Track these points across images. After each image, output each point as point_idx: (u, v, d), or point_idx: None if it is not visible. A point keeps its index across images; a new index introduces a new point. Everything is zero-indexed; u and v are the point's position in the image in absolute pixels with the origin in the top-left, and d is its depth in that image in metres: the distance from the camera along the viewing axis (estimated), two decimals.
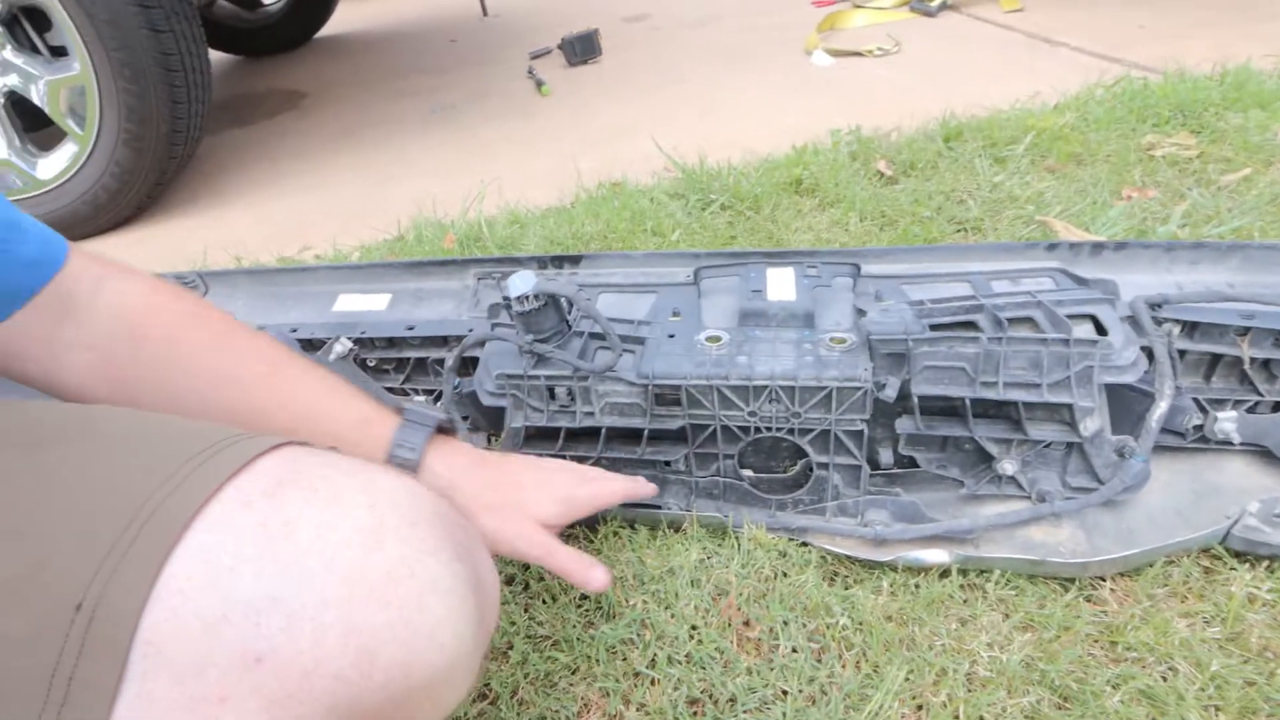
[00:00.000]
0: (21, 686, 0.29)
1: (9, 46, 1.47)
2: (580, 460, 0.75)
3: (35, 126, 1.59)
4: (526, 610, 0.68)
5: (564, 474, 0.64)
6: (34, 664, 0.29)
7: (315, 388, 0.56)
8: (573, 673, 0.63)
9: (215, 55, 2.16)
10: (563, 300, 0.71)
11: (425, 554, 0.34)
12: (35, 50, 1.49)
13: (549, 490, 0.62)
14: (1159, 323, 0.71)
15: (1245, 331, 0.70)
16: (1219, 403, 0.73)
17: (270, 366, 0.55)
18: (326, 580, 0.32)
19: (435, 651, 0.33)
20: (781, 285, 0.78)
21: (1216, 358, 0.73)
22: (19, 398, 0.50)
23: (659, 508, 0.74)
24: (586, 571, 0.58)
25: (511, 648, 0.65)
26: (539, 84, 2.15)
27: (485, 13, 3.12)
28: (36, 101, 1.50)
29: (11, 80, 1.49)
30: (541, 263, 0.92)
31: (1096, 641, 0.60)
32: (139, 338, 0.52)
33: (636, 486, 0.67)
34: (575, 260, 0.91)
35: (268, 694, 0.30)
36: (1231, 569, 0.63)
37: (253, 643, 0.30)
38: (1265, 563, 0.63)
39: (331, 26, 3.13)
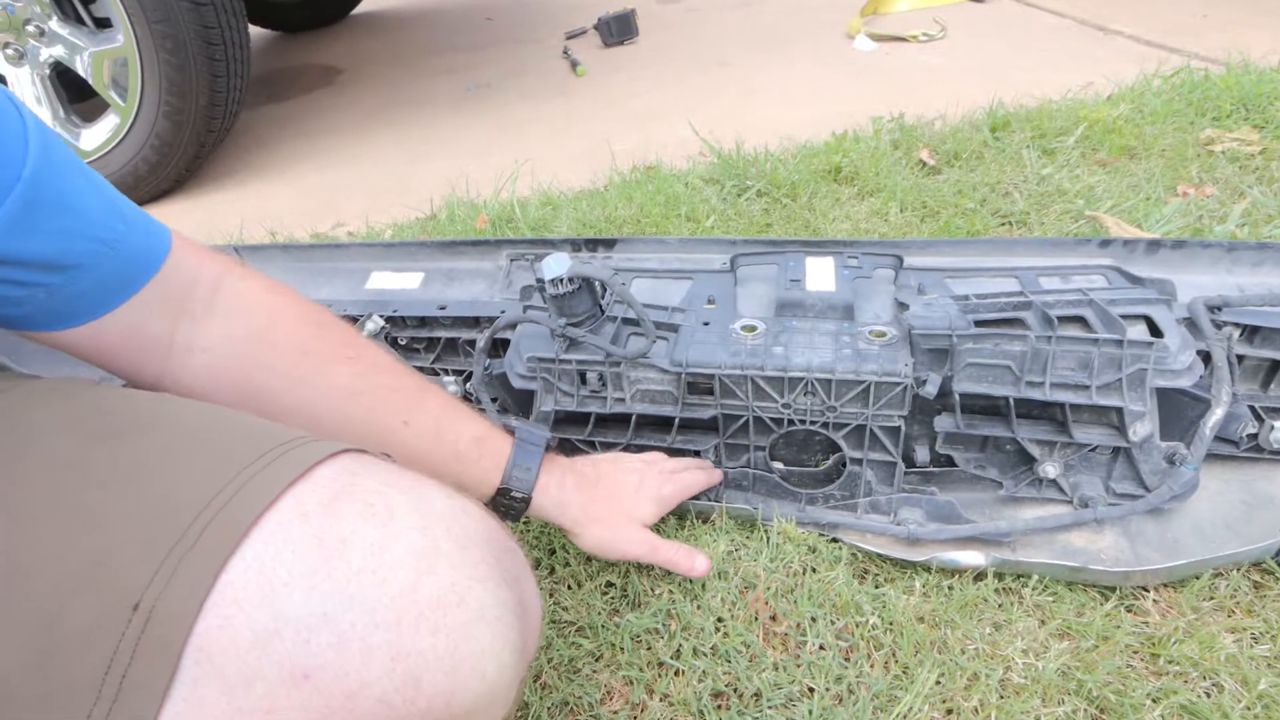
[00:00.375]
0: (76, 679, 0.29)
1: (55, 18, 1.49)
2: (609, 448, 0.75)
3: (78, 98, 1.61)
4: (552, 595, 0.68)
5: (651, 474, 0.68)
6: (90, 659, 0.29)
7: (435, 404, 0.57)
8: (596, 659, 0.63)
9: (253, 31, 2.17)
10: (597, 284, 0.70)
11: (475, 581, 0.34)
12: (80, 22, 1.51)
13: (644, 492, 0.66)
14: (1218, 326, 0.68)
15: None
16: (1276, 411, 0.70)
17: (394, 379, 0.55)
18: (378, 601, 0.32)
19: (478, 680, 0.33)
20: (821, 275, 0.76)
21: (1276, 364, 0.70)
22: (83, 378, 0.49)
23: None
24: (690, 560, 0.64)
25: None
26: (574, 64, 2.13)
27: None
28: (81, 73, 1.52)
29: (57, 51, 1.51)
30: (575, 245, 0.91)
31: (1137, 653, 0.58)
32: (266, 344, 0.51)
33: (711, 477, 0.71)
34: (609, 244, 0.90)
35: (313, 711, 0.30)
36: None
37: (302, 659, 0.30)
38: None
39: (368, 3, 3.13)
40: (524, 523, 0.74)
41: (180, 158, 1.60)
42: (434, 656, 0.32)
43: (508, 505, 0.61)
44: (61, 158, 0.41)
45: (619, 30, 2.27)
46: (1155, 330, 0.65)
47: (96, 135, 1.57)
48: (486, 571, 0.35)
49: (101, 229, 0.42)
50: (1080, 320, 0.67)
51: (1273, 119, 1.25)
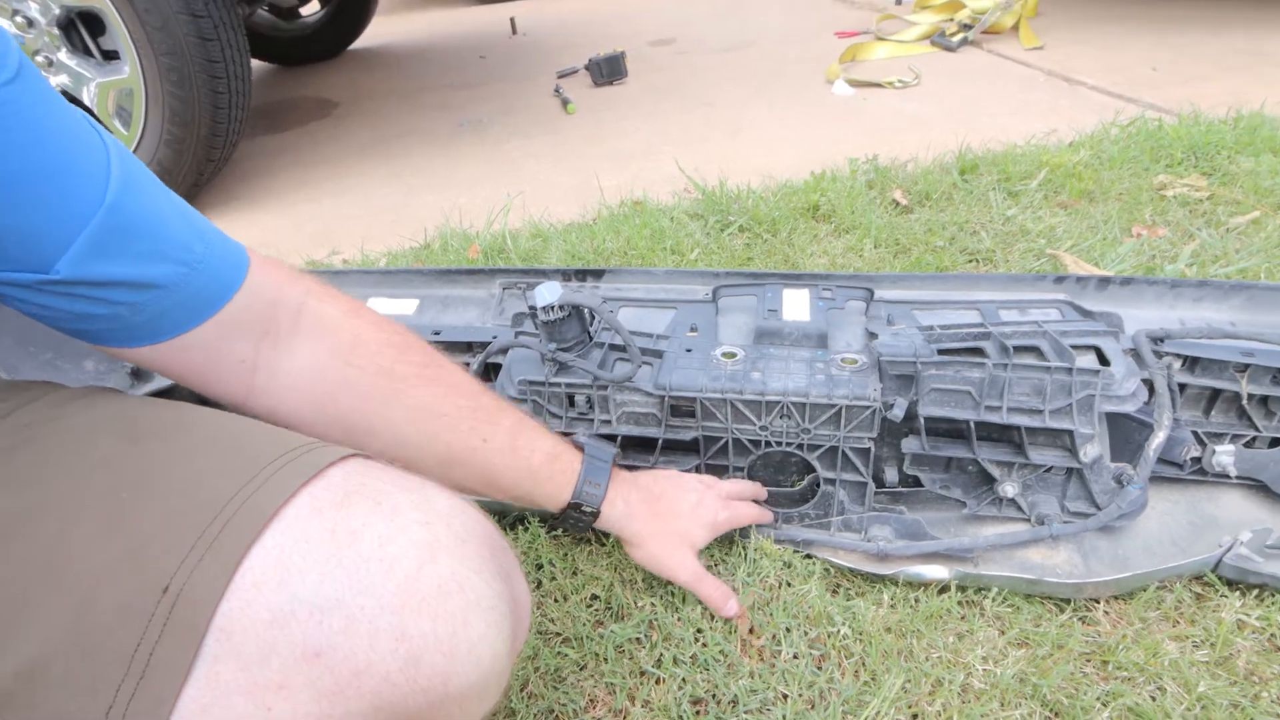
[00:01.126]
0: (108, 655, 0.32)
1: (64, 49, 1.53)
2: None
3: None
4: (539, 607, 0.71)
5: (710, 497, 0.70)
6: (122, 636, 0.32)
7: (510, 421, 0.59)
8: (581, 669, 0.65)
9: (253, 63, 2.24)
10: (586, 312, 0.75)
11: (473, 572, 0.37)
12: (88, 53, 1.56)
13: (700, 516, 0.69)
14: (1160, 356, 0.73)
15: (1245, 368, 0.73)
16: (1217, 437, 0.75)
17: (471, 400, 0.57)
18: (384, 588, 0.34)
19: (473, 664, 0.36)
20: (797, 306, 0.81)
21: (1216, 393, 0.75)
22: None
23: None
24: (725, 601, 0.67)
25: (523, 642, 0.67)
26: (565, 102, 2.21)
27: (515, 31, 3.20)
28: (86, 102, 1.56)
29: (63, 80, 1.56)
30: (566, 275, 0.95)
31: (1089, 660, 0.62)
32: (351, 366, 0.52)
33: (763, 515, 0.74)
34: (598, 274, 0.95)
35: (321, 687, 0.33)
36: (1223, 596, 0.65)
37: (314, 639, 0.33)
38: (1255, 591, 0.65)
39: (366, 39, 3.22)
40: (512, 539, 0.77)
41: (179, 185, 1.64)
42: (434, 639, 0.34)
43: (577, 518, 0.64)
44: (143, 179, 0.42)
45: (609, 71, 2.36)
46: (1103, 360, 0.71)
47: None
48: (482, 564, 0.38)
49: (182, 250, 0.43)
50: (1035, 350, 0.72)
51: (1219, 167, 1.34)
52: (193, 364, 0.47)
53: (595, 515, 0.64)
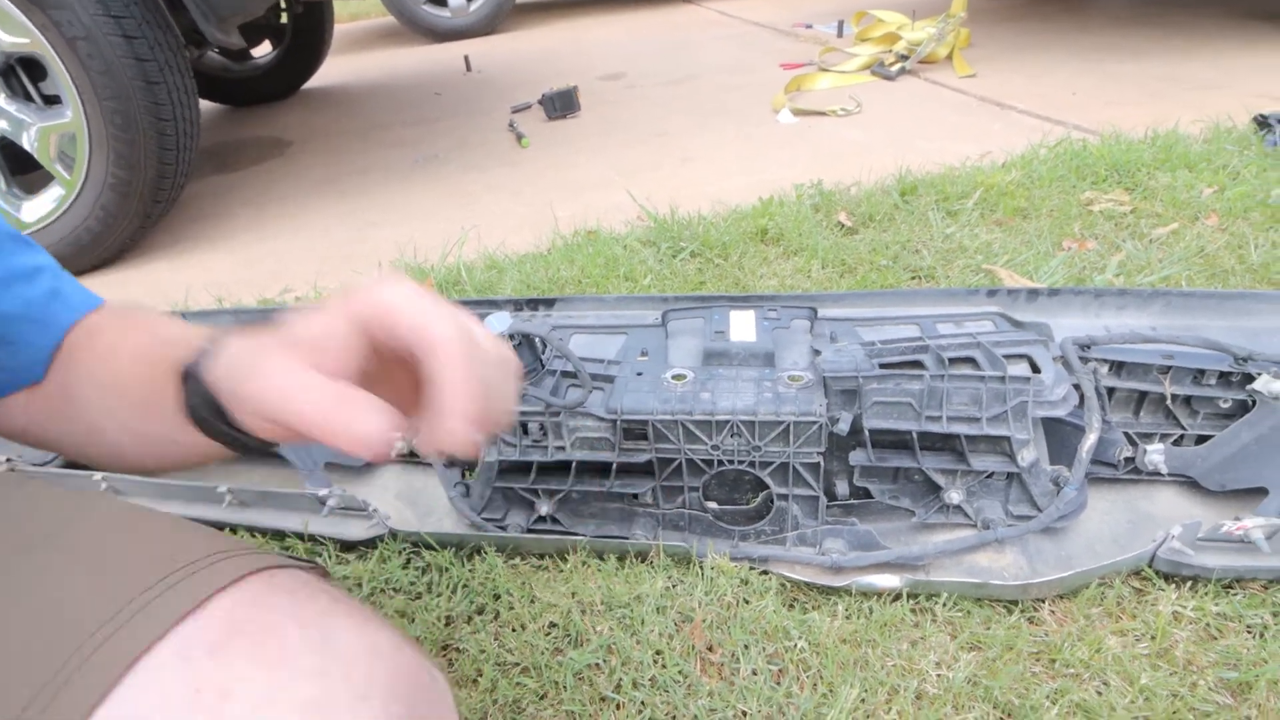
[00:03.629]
0: None
1: (2, 95, 1.51)
2: (551, 495, 0.79)
3: (21, 170, 1.62)
4: (496, 638, 0.70)
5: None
6: None
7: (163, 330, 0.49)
8: (541, 698, 0.65)
9: (203, 104, 2.23)
10: (537, 340, 0.76)
11: None
12: (29, 98, 1.54)
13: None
14: (1086, 361, 0.77)
15: (1167, 370, 0.77)
16: (1148, 437, 0.79)
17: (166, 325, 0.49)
18: None
19: None
20: (743, 327, 0.83)
21: (1143, 395, 0.79)
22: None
23: (626, 538, 0.77)
24: (345, 421, 0.35)
25: (481, 675, 0.66)
26: (519, 136, 2.24)
27: (469, 68, 3.24)
28: (26, 147, 1.53)
29: (1, 126, 1.53)
30: (517, 305, 0.96)
31: (1037, 659, 0.63)
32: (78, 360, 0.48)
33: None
34: (550, 303, 0.96)
35: None
36: (1160, 589, 0.67)
37: None
38: (1189, 583, 0.68)
39: (319, 78, 3.22)
40: (469, 569, 0.76)
41: (125, 229, 1.61)
42: None
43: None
44: None
45: (562, 105, 2.40)
46: (1035, 367, 0.74)
47: (39, 207, 1.58)
48: None
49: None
50: (971, 360, 0.75)
51: (1140, 182, 1.42)
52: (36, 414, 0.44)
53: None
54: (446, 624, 0.72)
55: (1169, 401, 0.77)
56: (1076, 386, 0.74)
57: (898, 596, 0.69)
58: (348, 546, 0.82)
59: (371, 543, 0.81)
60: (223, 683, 0.29)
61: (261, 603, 0.32)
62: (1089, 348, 0.78)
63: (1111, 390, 0.78)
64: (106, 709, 0.27)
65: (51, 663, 0.28)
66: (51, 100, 1.53)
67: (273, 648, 0.30)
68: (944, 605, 0.68)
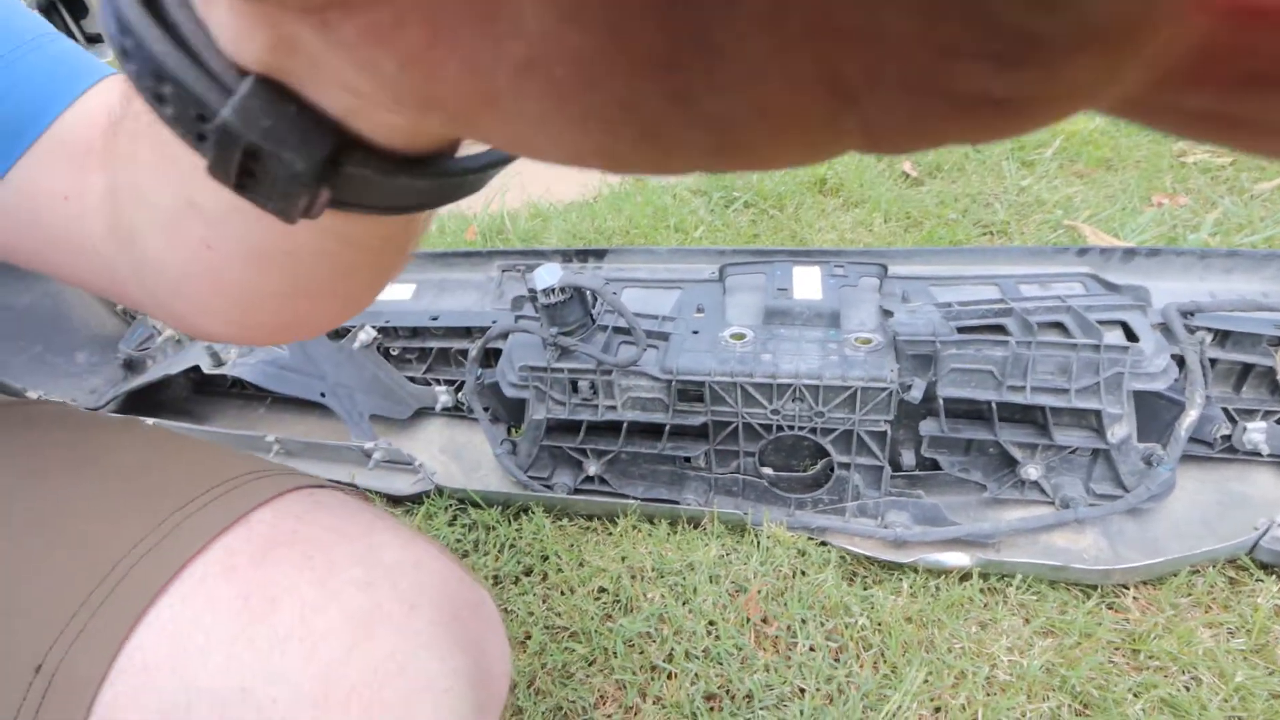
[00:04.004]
0: None
1: None
2: (600, 455, 0.76)
3: None
4: (545, 601, 0.68)
5: None
6: None
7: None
8: (590, 664, 0.63)
9: None
10: (588, 294, 0.72)
11: (420, 647, 0.30)
12: (70, 37, 1.52)
13: None
14: (1191, 330, 0.70)
15: (1278, 342, 0.69)
16: (1248, 413, 0.72)
17: None
18: (304, 674, 0.27)
19: None
20: (807, 284, 0.78)
21: (1248, 368, 0.72)
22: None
23: (678, 503, 0.74)
24: None
25: (529, 638, 0.65)
26: None
27: None
28: None
29: None
30: (566, 256, 0.92)
31: (1118, 649, 0.59)
32: None
33: None
34: (600, 254, 0.91)
35: None
36: (1258, 580, 0.62)
37: None
38: None
39: None
40: (516, 529, 0.75)
41: None
42: None
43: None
44: None
45: None
46: (1131, 335, 0.67)
47: None
48: (435, 635, 0.31)
49: None
50: (1059, 326, 0.69)
51: None
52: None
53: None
54: (494, 584, 0.71)
55: (1278, 376, 0.70)
56: (1177, 357, 0.68)
57: (967, 576, 0.65)
58: (394, 500, 0.81)
59: (418, 498, 0.80)
60: (270, 591, 0.29)
61: (304, 517, 0.32)
62: (1192, 315, 0.70)
63: (1214, 361, 0.71)
64: (154, 617, 0.27)
65: (96, 573, 0.28)
66: (94, 40, 1.51)
67: (319, 559, 0.30)
68: (1017, 588, 0.64)
